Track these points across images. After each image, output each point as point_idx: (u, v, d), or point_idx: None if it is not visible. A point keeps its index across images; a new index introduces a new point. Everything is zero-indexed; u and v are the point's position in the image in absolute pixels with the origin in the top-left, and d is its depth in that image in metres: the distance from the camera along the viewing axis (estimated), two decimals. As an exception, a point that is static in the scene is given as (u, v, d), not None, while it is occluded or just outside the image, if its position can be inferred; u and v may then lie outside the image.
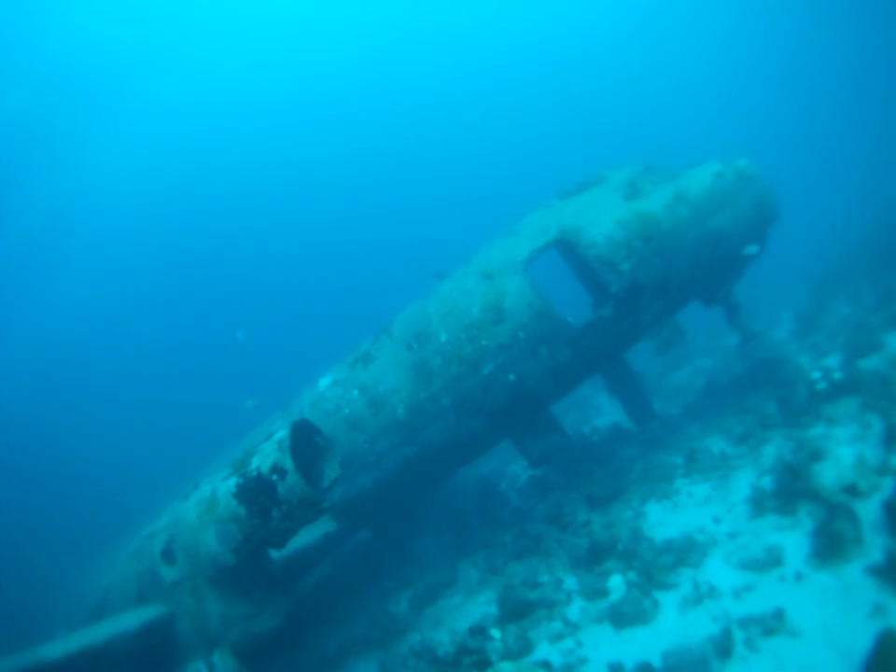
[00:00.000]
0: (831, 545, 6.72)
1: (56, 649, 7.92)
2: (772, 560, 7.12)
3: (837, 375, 10.15)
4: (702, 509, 9.14)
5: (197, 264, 52.50)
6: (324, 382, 12.19)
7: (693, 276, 10.56)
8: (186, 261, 52.34)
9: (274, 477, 8.12)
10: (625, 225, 10.28)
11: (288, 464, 8.12)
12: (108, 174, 48.89)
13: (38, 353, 44.24)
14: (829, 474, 7.68)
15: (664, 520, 9.39)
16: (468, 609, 10.16)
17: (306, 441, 9.15)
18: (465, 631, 8.69)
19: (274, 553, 9.75)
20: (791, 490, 7.89)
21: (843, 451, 8.09)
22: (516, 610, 8.64)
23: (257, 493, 8.20)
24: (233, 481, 8.47)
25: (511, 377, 10.38)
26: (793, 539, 7.34)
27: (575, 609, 8.37)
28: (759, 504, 8.22)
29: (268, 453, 8.39)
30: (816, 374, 10.38)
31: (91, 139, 46.26)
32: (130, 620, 8.91)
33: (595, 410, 19.44)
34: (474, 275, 10.77)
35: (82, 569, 13.42)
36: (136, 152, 50.33)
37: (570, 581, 9.06)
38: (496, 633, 8.42)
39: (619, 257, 10.14)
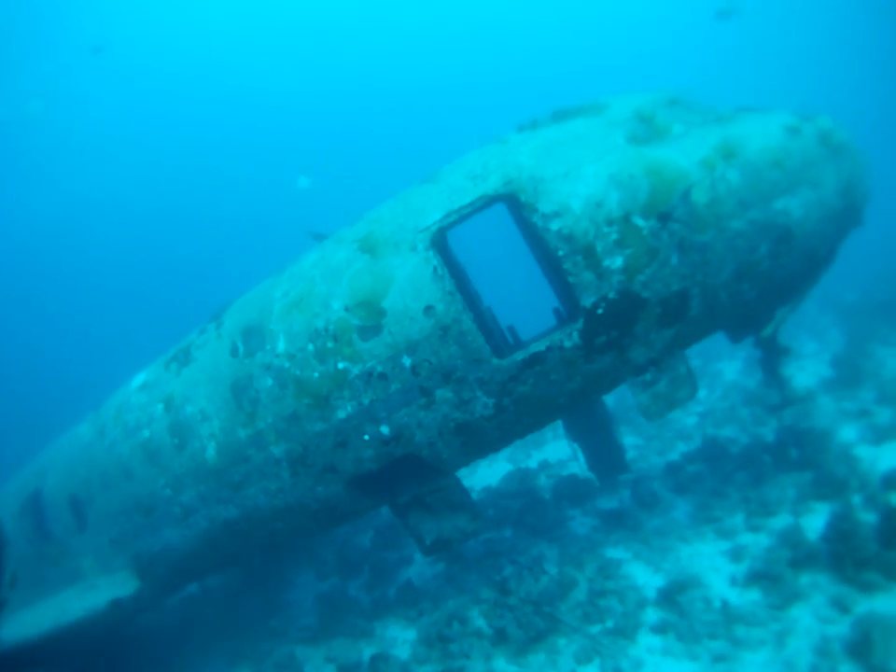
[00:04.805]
0: None
1: None
2: None
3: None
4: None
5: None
6: (137, 380, 7.20)
7: (733, 293, 5.38)
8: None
9: None
10: (626, 184, 4.89)
11: None
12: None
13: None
14: None
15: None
16: None
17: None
18: None
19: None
20: None
21: None
22: None
23: None
24: None
25: (385, 430, 5.16)
26: None
27: None
28: None
29: None
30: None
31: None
32: None
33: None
34: (350, 244, 5.38)
35: None
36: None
37: None
38: None
39: (606, 242, 4.95)
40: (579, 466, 8.70)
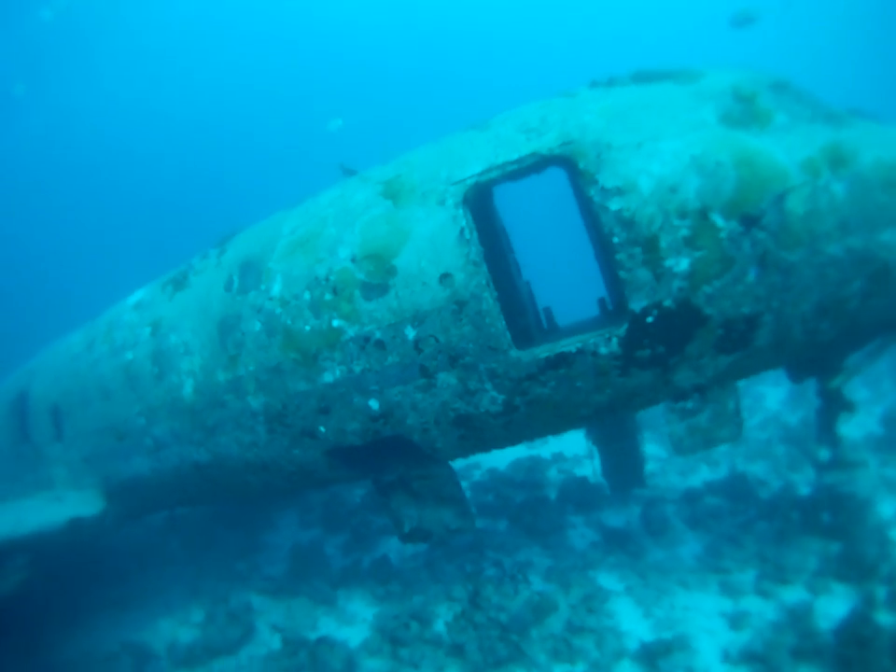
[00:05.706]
0: None
1: None
2: None
3: None
4: None
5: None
6: (134, 297, 6.61)
7: (810, 330, 4.42)
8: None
9: None
10: (710, 172, 3.90)
11: None
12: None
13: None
14: None
15: None
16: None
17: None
18: None
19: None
20: None
21: None
22: None
23: None
24: None
25: (374, 405, 4.51)
26: None
27: None
28: None
29: None
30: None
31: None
32: None
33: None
34: (373, 185, 4.56)
35: None
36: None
37: None
38: None
39: (673, 238, 4.01)
40: (592, 468, 7.94)
